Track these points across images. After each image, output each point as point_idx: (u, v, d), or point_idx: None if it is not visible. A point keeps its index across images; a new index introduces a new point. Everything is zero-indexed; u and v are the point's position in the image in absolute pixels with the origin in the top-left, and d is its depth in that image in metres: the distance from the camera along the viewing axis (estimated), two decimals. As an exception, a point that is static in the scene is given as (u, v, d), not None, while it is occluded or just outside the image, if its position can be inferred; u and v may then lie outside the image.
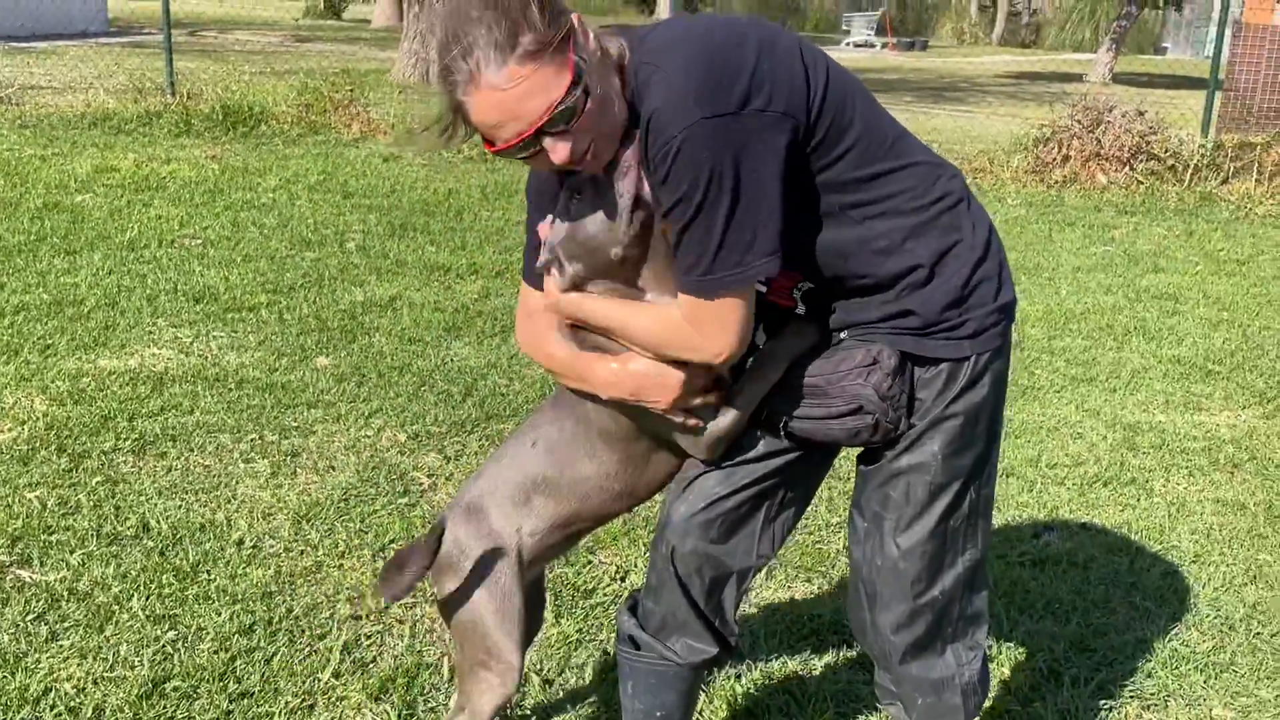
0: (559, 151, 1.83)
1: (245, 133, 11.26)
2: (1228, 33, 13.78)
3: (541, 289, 2.10)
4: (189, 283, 6.38)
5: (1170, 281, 7.79)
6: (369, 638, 3.11)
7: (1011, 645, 3.24)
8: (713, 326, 1.94)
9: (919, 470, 2.10)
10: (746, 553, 2.22)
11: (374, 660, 3.01)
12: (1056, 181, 11.00)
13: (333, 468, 4.19)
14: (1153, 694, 3.05)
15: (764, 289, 2.09)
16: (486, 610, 2.18)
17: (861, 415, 2.05)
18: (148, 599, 3.21)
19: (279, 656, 2.99)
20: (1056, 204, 10.39)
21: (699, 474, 2.21)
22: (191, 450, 4.25)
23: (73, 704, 2.75)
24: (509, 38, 1.75)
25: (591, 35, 1.86)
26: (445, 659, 3.01)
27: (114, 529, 3.59)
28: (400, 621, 3.19)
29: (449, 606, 2.22)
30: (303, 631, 3.12)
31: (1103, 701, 3.00)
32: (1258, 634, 3.35)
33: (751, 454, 2.19)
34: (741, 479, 2.19)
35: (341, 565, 3.48)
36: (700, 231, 1.86)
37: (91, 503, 3.76)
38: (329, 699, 2.83)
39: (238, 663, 2.95)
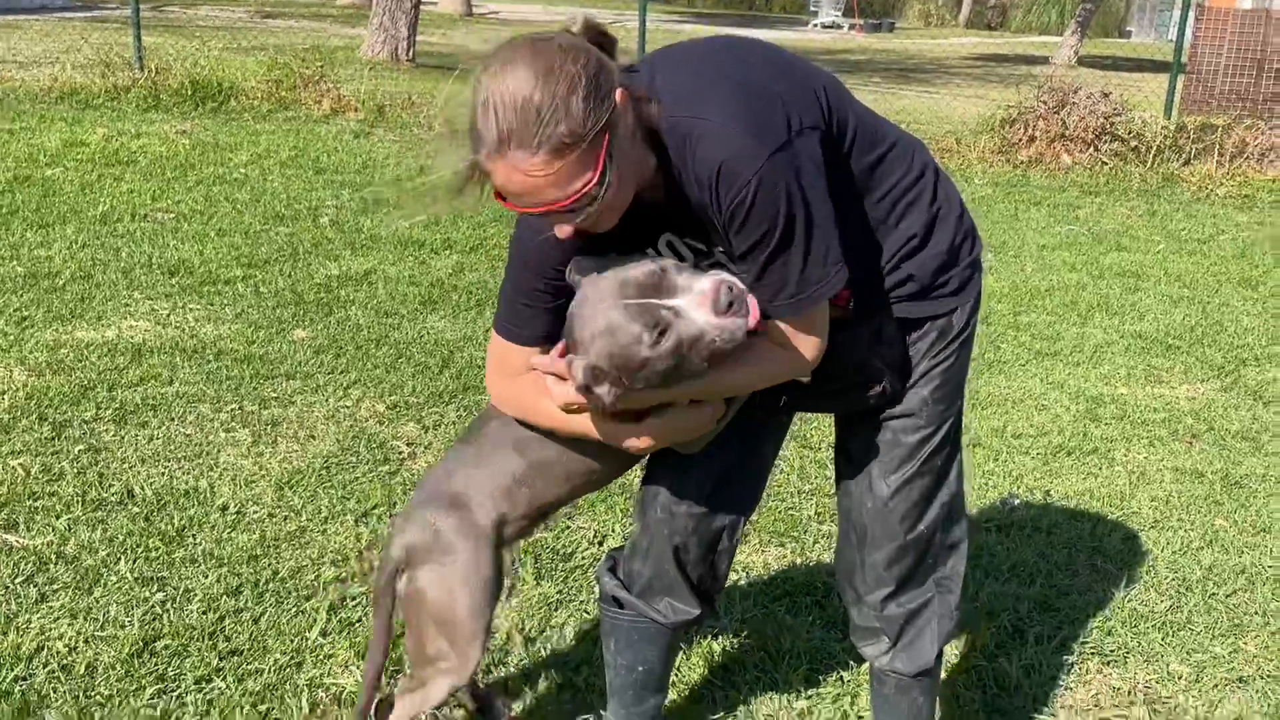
0: (564, 230, 1.87)
1: (215, 108, 11.21)
2: (1190, 16, 13.97)
3: (523, 345, 2.13)
4: (163, 256, 6.39)
5: (1133, 260, 7.93)
6: (354, 599, 3.18)
7: (978, 605, 3.35)
8: (807, 340, 2.02)
9: (909, 417, 2.22)
10: (734, 507, 2.31)
11: (360, 620, 3.08)
12: (1022, 162, 11.14)
13: (313, 437, 4.25)
14: (1112, 650, 3.17)
15: None
16: (462, 601, 2.20)
17: (870, 385, 2.16)
18: (135, 562, 3.26)
19: (266, 616, 3.06)
20: (1022, 184, 10.53)
21: None
22: (172, 419, 4.29)
23: (65, 661, 2.81)
24: (545, 127, 1.73)
25: (630, 108, 1.83)
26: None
27: (98, 495, 3.64)
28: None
29: (422, 594, 2.23)
30: (289, 593, 3.18)
31: (1065, 657, 3.12)
32: (1213, 594, 3.48)
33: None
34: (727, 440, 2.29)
35: (325, 530, 3.55)
36: (786, 258, 1.92)
37: (75, 470, 3.80)
38: (317, 657, 2.90)
39: (226, 622, 3.01)
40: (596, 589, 2.71)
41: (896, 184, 2.10)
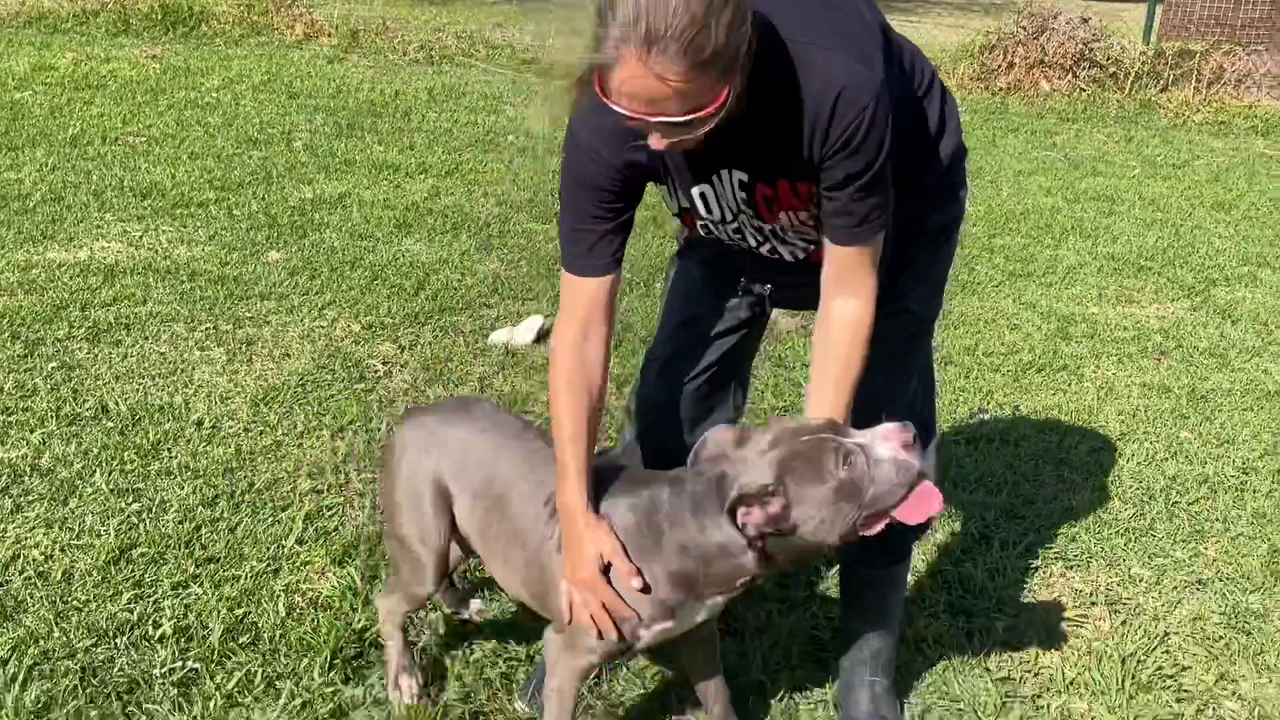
0: (657, 142, 1.82)
1: (185, 33, 11.03)
2: (1172, -59, 13.85)
3: (594, 276, 2.08)
4: (135, 179, 6.33)
5: (1108, 184, 7.95)
6: (330, 509, 3.21)
7: (946, 513, 3.41)
8: (873, 265, 2.03)
9: (906, 313, 2.26)
10: (724, 409, 2.43)
11: (336, 529, 3.11)
12: (1001, 89, 11.11)
13: (288, 355, 4.25)
14: (1076, 556, 3.24)
15: None
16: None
17: None
18: (110, 475, 3.28)
19: (242, 526, 3.08)
20: (1001, 111, 10.51)
21: (678, 350, 2.36)
22: (146, 338, 4.29)
23: (41, 569, 2.83)
24: (697, 36, 1.66)
25: (753, 35, 1.78)
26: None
27: (73, 410, 3.65)
28: (361, 495, 3.29)
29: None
30: (265, 504, 3.21)
31: (1029, 562, 3.18)
32: (1175, 502, 3.55)
33: (728, 326, 2.40)
34: (714, 353, 2.35)
35: (301, 444, 3.57)
36: (878, 184, 1.93)
37: (49, 386, 3.80)
38: (293, 564, 2.93)
39: (202, 531, 3.04)
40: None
41: (912, 92, 2.13)
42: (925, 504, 1.89)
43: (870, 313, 2.05)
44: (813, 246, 2.16)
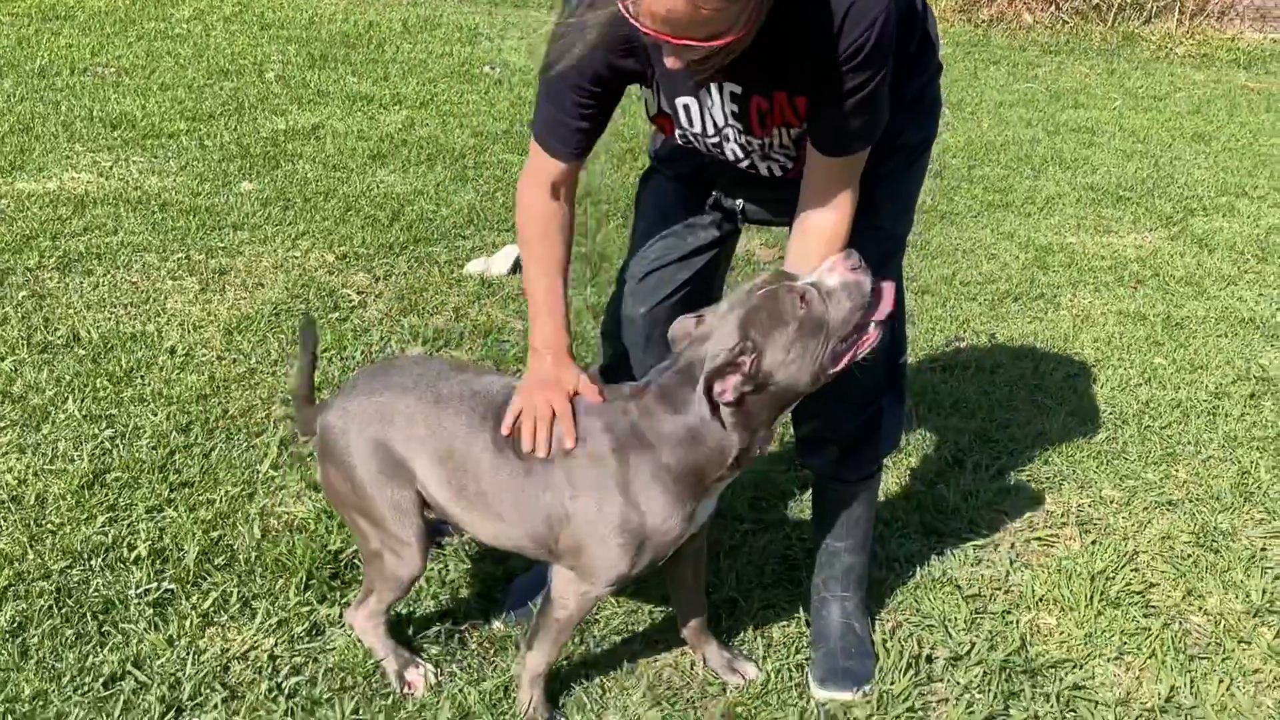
0: (672, 62, 1.80)
1: (155, -37, 10.82)
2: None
3: (558, 160, 2.10)
4: (105, 110, 6.24)
5: (1089, 116, 7.93)
6: (305, 436, 3.20)
7: (919, 437, 3.43)
8: (855, 181, 2.06)
9: (879, 230, 2.24)
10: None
11: (311, 454, 3.10)
12: (984, 21, 11.02)
13: (261, 285, 4.22)
14: (1048, 478, 3.26)
15: None
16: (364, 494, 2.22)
17: None
18: (83, 401, 3.26)
19: (217, 451, 3.07)
20: (983, 43, 10.44)
21: (652, 269, 2.35)
22: (118, 268, 4.25)
23: (15, 493, 2.82)
24: None
25: None
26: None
27: (44, 338, 3.62)
28: (335, 421, 3.28)
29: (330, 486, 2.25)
30: (239, 430, 3.20)
31: (1002, 484, 3.20)
32: (1148, 426, 3.57)
33: (701, 244, 2.40)
34: (687, 272, 2.34)
35: (275, 372, 3.55)
36: (878, 97, 1.94)
37: (19, 315, 3.76)
38: (268, 488, 2.93)
39: (176, 457, 3.03)
40: None
41: (902, 8, 2.09)
42: (882, 306, 2.00)
43: (847, 226, 2.07)
44: (791, 164, 2.15)
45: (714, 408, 1.95)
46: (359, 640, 2.34)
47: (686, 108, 2.08)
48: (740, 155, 2.14)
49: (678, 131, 2.15)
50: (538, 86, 2.10)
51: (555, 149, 2.11)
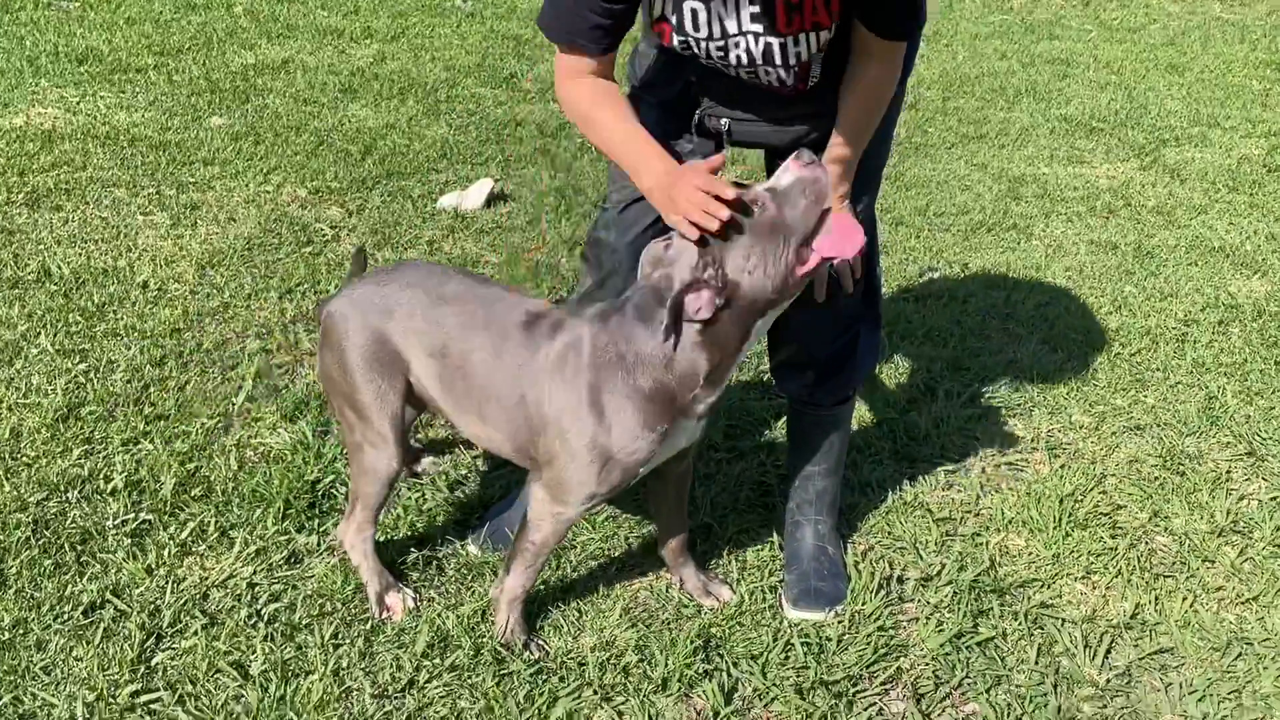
0: None
1: (117, -105, 10.59)
2: None
3: (592, 57, 2.08)
4: (70, 45, 6.14)
5: (1063, 48, 7.90)
6: (280, 368, 3.20)
7: (892, 366, 3.46)
8: (902, 54, 2.09)
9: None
10: None
11: (286, 387, 3.11)
12: (959, -48, 10.93)
13: (234, 220, 4.19)
14: (1019, 404, 3.30)
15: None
16: (355, 381, 2.25)
17: (814, 118, 2.20)
18: (55, 336, 3.25)
19: (192, 384, 3.07)
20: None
21: (633, 199, 2.33)
22: (87, 203, 4.21)
23: (-11, 428, 2.82)
24: None
25: None
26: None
27: (14, 274, 3.59)
28: (311, 354, 3.28)
29: (324, 371, 2.29)
30: (214, 363, 3.20)
31: (973, 411, 3.24)
32: (1118, 353, 3.61)
33: (685, 152, 2.34)
34: None
35: (249, 306, 3.54)
36: None
37: (-11, 251, 3.74)
38: (244, 420, 2.94)
39: (151, 390, 3.03)
40: None
41: None
42: (848, 239, 1.98)
43: (895, 78, 2.12)
44: (791, 79, 2.12)
45: (679, 328, 1.95)
46: (347, 557, 2.36)
47: (694, 11, 2.05)
48: (746, 61, 2.10)
49: (677, 38, 2.10)
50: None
51: (583, 46, 2.07)
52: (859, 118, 2.14)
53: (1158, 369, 3.53)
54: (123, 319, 3.38)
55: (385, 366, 2.19)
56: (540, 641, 2.28)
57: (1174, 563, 2.64)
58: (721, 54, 2.09)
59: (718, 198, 1.92)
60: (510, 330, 2.13)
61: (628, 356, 2.02)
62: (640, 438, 2.04)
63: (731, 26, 2.03)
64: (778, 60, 2.07)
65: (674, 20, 2.07)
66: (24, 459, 2.70)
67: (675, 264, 1.98)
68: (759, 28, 2.02)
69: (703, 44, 2.09)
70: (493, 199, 4.56)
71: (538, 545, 2.19)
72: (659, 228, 2.41)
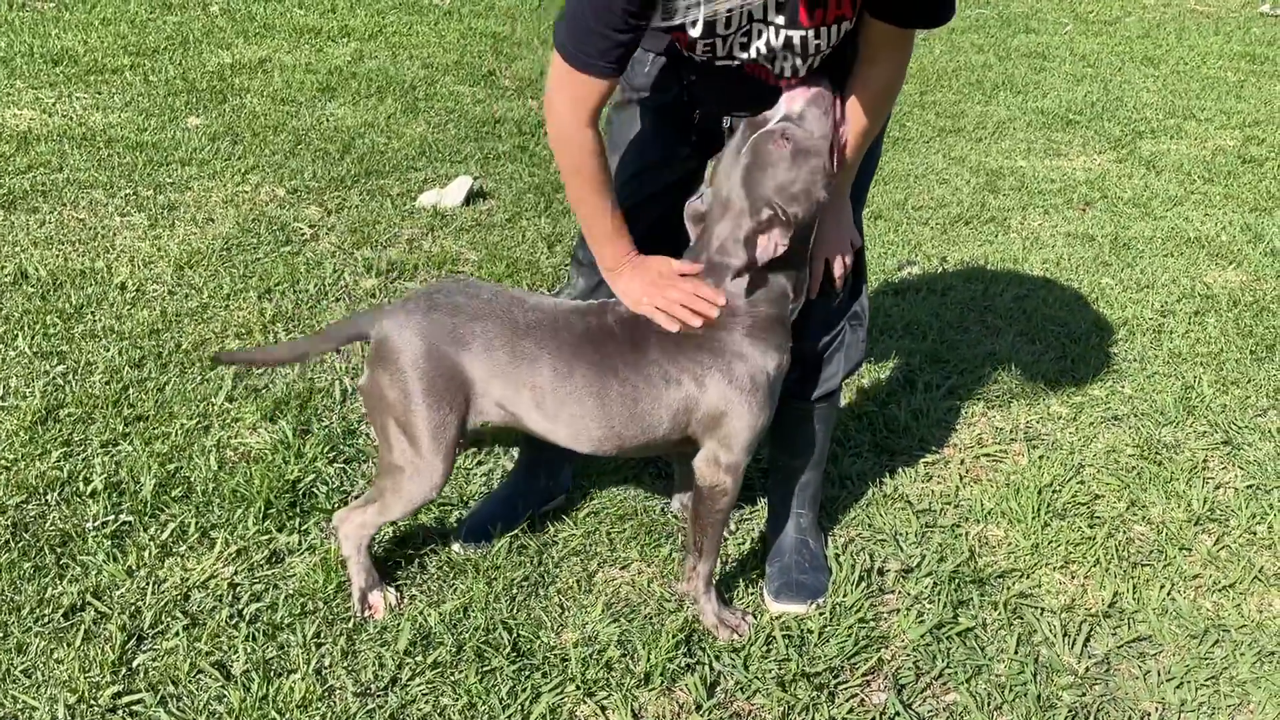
0: None
1: (91, -105, 10.53)
2: None
3: (603, 78, 2.05)
4: (45, 46, 6.11)
5: (1040, 41, 7.94)
6: (260, 367, 3.19)
7: (872, 359, 3.47)
8: (909, 47, 2.10)
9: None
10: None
11: (266, 387, 3.10)
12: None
13: (212, 220, 4.18)
14: (997, 396, 3.32)
15: None
16: (419, 415, 2.17)
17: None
18: (33, 338, 3.23)
19: (171, 385, 3.06)
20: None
21: (626, 205, 2.33)
22: (64, 205, 4.19)
23: (-33, 431, 2.81)
24: None
25: None
26: (335, 383, 3.12)
27: (-9, 277, 3.58)
28: (289, 353, 3.27)
29: (381, 391, 2.18)
30: (193, 364, 3.19)
31: (952, 403, 3.26)
32: (1095, 345, 3.63)
33: (678, 177, 2.40)
34: (664, 207, 2.37)
35: (228, 306, 3.53)
36: None
37: (-36, 253, 3.72)
38: (224, 420, 2.93)
39: (130, 391, 3.02)
40: None
41: None
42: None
43: (904, 70, 2.15)
44: (805, 69, 2.14)
45: (753, 264, 2.08)
46: (339, 543, 2.33)
47: (729, 14, 2.05)
48: (765, 52, 2.11)
49: (703, 43, 2.10)
50: (566, 8, 2.03)
51: (600, 69, 2.03)
52: (870, 116, 2.16)
53: (1135, 359, 3.55)
54: (101, 320, 3.37)
55: (453, 399, 2.14)
56: (745, 610, 2.40)
57: (1151, 551, 2.66)
58: (745, 43, 2.09)
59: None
60: (604, 338, 2.17)
61: (735, 306, 2.15)
62: (780, 358, 2.20)
63: (754, 11, 2.04)
64: (797, 50, 2.09)
65: (699, 30, 2.07)
66: (2, 462, 2.69)
67: (724, 217, 2.12)
68: (781, 20, 2.04)
69: (728, 40, 2.09)
70: (472, 196, 4.56)
71: (725, 510, 2.26)
72: (650, 235, 2.41)
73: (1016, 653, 2.32)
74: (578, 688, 2.15)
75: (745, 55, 2.12)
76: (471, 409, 2.17)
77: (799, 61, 2.11)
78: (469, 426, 2.20)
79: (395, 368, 2.14)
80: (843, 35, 2.07)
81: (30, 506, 2.54)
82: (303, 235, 4.11)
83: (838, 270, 2.29)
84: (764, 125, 2.09)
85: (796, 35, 2.04)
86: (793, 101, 2.07)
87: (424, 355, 2.13)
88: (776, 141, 2.05)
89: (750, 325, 2.16)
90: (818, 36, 2.04)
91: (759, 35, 2.06)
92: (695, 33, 2.07)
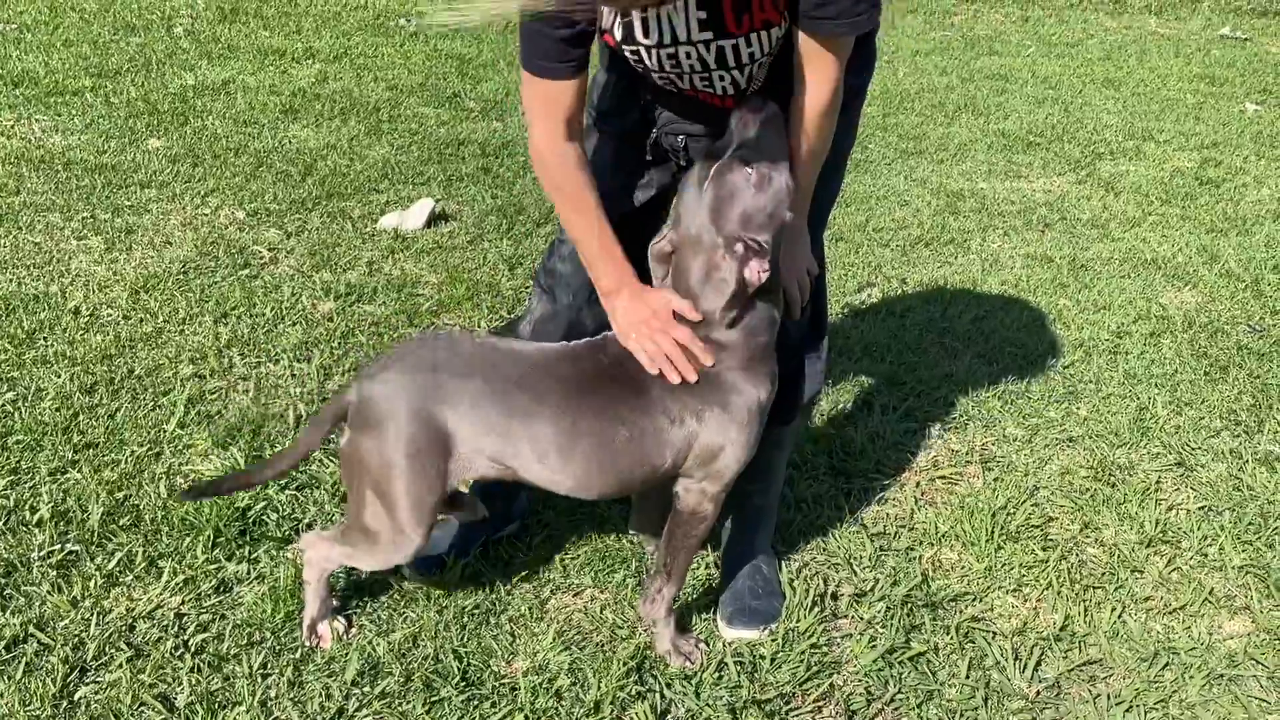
0: None
1: (56, -85, 10.49)
2: None
3: (563, 80, 2.03)
4: (5, 67, 6.07)
5: (1003, 63, 8.01)
6: (213, 393, 3.17)
7: (829, 382, 3.48)
8: (842, 62, 2.04)
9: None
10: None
11: (219, 413, 3.07)
12: (901, -31, 11.06)
13: (169, 243, 4.15)
14: (953, 418, 3.33)
15: None
16: (399, 484, 2.08)
17: None
18: (-17, 364, 3.20)
19: (122, 411, 3.03)
20: (900, -9, 10.48)
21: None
22: (20, 229, 4.15)
23: (-87, 459, 2.77)
24: None
25: None
26: (290, 409, 3.10)
27: (-58, 302, 3.54)
28: (244, 379, 3.25)
29: (362, 459, 2.08)
30: (146, 389, 3.16)
31: (908, 425, 3.27)
32: (1052, 366, 3.66)
33: (643, 200, 2.39)
34: (629, 230, 2.33)
35: (183, 331, 3.50)
36: None
37: (-84, 278, 3.68)
38: (175, 447, 2.90)
39: (80, 418, 2.99)
40: None
41: None
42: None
43: (832, 93, 2.07)
44: (744, 81, 2.14)
45: (742, 294, 2.06)
46: (303, 567, 2.28)
47: (644, 20, 2.04)
48: (700, 67, 2.10)
49: (627, 49, 2.11)
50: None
51: (553, 69, 2.01)
52: (811, 136, 2.12)
53: (1090, 381, 3.58)
54: (53, 346, 3.33)
55: (438, 466, 2.05)
56: (698, 637, 2.39)
57: (1103, 574, 2.67)
58: (673, 61, 2.09)
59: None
60: (604, 381, 2.12)
61: (723, 339, 2.11)
62: (773, 384, 2.18)
63: (681, 34, 2.03)
64: (730, 62, 2.08)
65: (619, 33, 2.07)
66: (-53, 491, 2.66)
67: (693, 250, 2.08)
68: (708, 35, 2.03)
69: (652, 52, 2.08)
70: (434, 219, 4.55)
71: (701, 535, 2.25)
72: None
73: (968, 677, 2.32)
74: (526, 718, 2.13)
75: (680, 69, 2.11)
76: (458, 468, 2.08)
77: (737, 74, 2.11)
78: (452, 484, 2.11)
79: (378, 432, 2.04)
80: (775, 44, 2.07)
81: (-26, 536, 2.51)
82: (261, 259, 4.09)
83: (794, 304, 2.29)
84: (720, 155, 2.06)
85: (728, 45, 2.05)
86: (746, 126, 2.06)
87: (409, 419, 2.02)
88: (738, 171, 2.02)
89: (745, 358, 2.12)
90: (749, 44, 2.04)
91: (688, 54, 2.06)
92: (618, 35, 2.07)
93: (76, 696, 2.11)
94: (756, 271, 2.03)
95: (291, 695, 2.15)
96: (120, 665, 2.18)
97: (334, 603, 2.37)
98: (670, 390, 2.11)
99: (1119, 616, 2.52)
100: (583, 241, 2.19)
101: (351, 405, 2.09)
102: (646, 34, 2.05)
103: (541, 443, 2.08)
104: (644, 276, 2.23)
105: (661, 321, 2.11)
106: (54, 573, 2.41)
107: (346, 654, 2.24)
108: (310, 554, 2.27)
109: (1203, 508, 2.93)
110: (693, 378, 2.09)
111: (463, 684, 2.19)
